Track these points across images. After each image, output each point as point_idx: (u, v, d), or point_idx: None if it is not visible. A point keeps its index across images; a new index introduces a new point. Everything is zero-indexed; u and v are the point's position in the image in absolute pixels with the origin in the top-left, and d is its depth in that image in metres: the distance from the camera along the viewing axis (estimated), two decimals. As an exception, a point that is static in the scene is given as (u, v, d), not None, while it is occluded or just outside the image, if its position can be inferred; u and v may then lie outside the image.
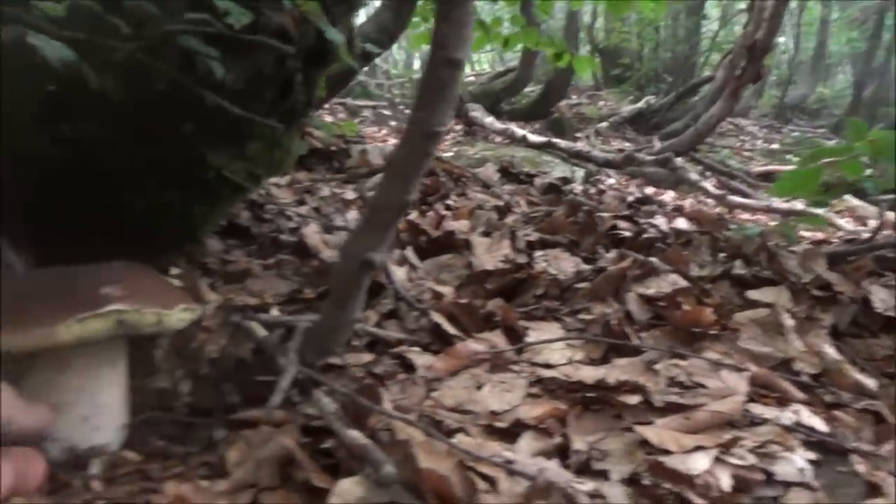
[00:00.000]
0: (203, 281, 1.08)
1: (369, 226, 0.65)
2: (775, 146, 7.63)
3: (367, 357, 0.94)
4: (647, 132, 6.87)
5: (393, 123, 5.43)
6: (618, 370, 0.98)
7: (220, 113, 1.05)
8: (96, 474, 0.68)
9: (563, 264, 1.44)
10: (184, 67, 0.99)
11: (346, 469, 0.66)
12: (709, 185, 4.38)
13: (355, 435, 0.64)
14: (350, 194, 1.96)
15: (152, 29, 0.97)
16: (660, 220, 1.73)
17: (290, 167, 1.24)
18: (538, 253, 1.48)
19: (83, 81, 1.03)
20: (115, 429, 0.73)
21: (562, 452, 0.76)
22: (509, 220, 1.72)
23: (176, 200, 1.15)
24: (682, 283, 1.28)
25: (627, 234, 1.59)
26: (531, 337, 1.10)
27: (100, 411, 0.71)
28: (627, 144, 6.21)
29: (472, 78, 7.52)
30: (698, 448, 0.77)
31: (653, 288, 1.26)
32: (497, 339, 1.09)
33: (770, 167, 5.84)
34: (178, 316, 0.71)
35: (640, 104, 7.14)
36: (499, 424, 0.78)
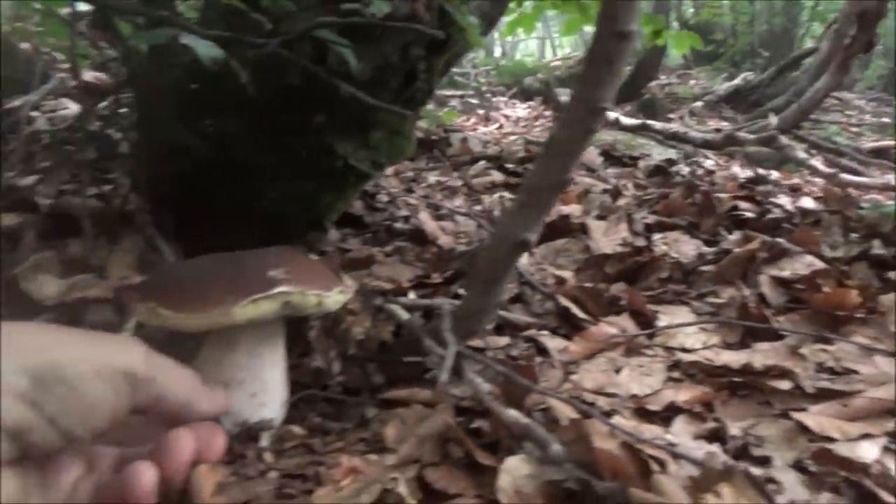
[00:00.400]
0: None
1: (524, 206, 0.65)
2: (886, 120, 7.10)
3: (503, 340, 0.95)
4: (745, 110, 6.53)
5: (480, 112, 5.40)
6: (760, 355, 0.94)
7: (347, 104, 1.08)
8: (267, 447, 0.72)
9: (683, 247, 1.40)
10: (315, 60, 1.02)
11: (505, 448, 0.66)
12: (817, 163, 4.13)
13: (514, 414, 0.65)
14: (455, 182, 1.98)
15: (289, 24, 1.01)
16: (783, 200, 1.64)
17: (409, 154, 1.26)
18: (656, 236, 1.45)
19: (222, 79, 1.09)
20: (279, 405, 0.77)
21: (715, 438, 0.74)
22: (621, 203, 1.68)
23: (306, 190, 1.19)
24: (819, 264, 1.22)
25: (750, 214, 1.53)
26: (662, 321, 1.08)
27: (265, 388, 0.75)
28: (724, 124, 5.94)
29: (557, 63, 7.39)
30: (865, 436, 0.73)
31: (787, 270, 1.21)
32: (625, 323, 1.08)
33: (883, 143, 5.43)
34: (335, 298, 0.74)
35: (737, 81, 6.79)
36: (651, 407, 0.77)
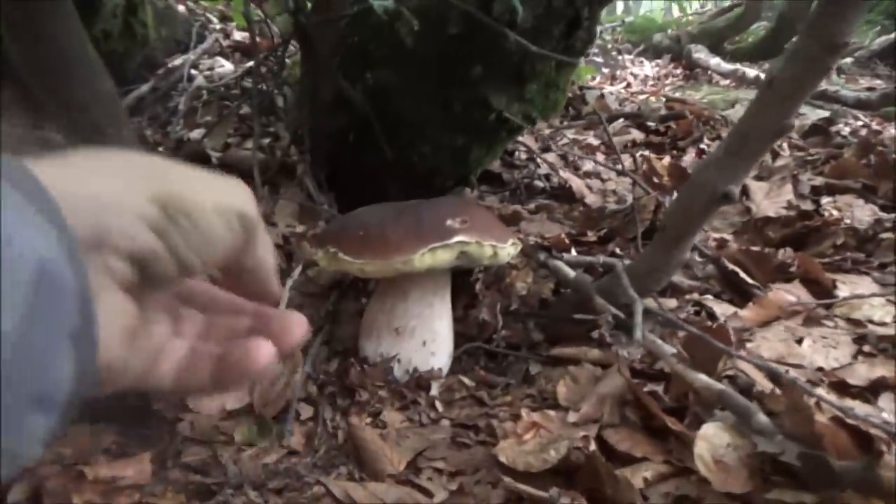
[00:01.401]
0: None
1: (730, 153, 0.60)
2: None
3: (671, 303, 0.91)
4: (903, 67, 5.86)
5: (606, 71, 5.19)
6: (967, 332, 0.84)
7: (506, 55, 1.05)
8: (437, 395, 0.72)
9: (857, 212, 1.27)
10: (480, 8, 0.99)
11: (692, 414, 0.63)
12: None
13: (705, 379, 0.61)
14: (593, 140, 1.91)
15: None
16: (978, 163, 1.45)
17: (561, 108, 1.21)
18: (825, 199, 1.32)
19: (381, 31, 1.09)
20: (447, 356, 0.77)
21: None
22: (780, 163, 1.55)
23: (457, 144, 1.18)
24: None
25: (936, 178, 1.36)
26: (842, 291, 0.99)
27: (435, 338, 0.75)
28: (878, 82, 5.38)
29: (690, 17, 6.94)
30: None
31: None
32: (798, 291, 1.00)
33: None
34: (509, 250, 0.73)
35: (894, 35, 6.11)
36: (852, 382, 0.70)
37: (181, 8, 2.21)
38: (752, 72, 4.48)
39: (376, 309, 0.76)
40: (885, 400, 0.68)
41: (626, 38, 6.28)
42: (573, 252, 0.94)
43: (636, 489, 0.52)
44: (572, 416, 0.63)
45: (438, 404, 0.71)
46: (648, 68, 5.42)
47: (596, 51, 5.81)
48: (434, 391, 0.73)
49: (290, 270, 0.89)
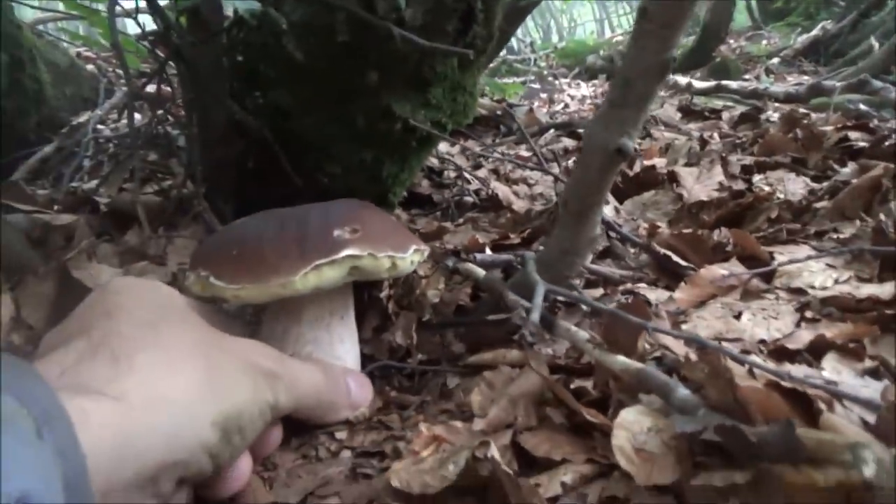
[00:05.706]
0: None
1: (615, 104, 0.54)
2: None
3: (597, 292, 0.83)
4: (826, 62, 6.09)
5: (543, 95, 5.25)
6: (911, 285, 0.79)
7: (401, 58, 0.99)
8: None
9: (790, 185, 1.24)
10: (364, 9, 0.94)
11: (616, 403, 0.55)
12: (921, 104, 3.74)
13: (624, 360, 0.53)
14: (525, 153, 1.87)
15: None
16: (902, 126, 1.44)
17: (473, 112, 1.15)
18: (757, 177, 1.29)
19: (268, 49, 1.02)
20: (349, 379, 0.68)
21: (877, 378, 0.60)
22: (709, 149, 1.52)
23: (366, 160, 1.11)
24: (964, 184, 1.03)
25: (863, 144, 1.34)
26: (781, 261, 0.93)
27: (337, 363, 0.67)
28: (805, 78, 5.55)
29: (619, 38, 7.13)
30: None
31: (925, 193, 1.03)
32: (736, 268, 0.94)
33: None
34: (411, 259, 0.65)
35: (815, 32, 6.34)
36: (792, 346, 0.64)
37: (89, 66, 2.13)
38: (683, 79, 4.55)
39: (266, 335, 0.67)
40: (829, 361, 0.61)
41: (560, 62, 6.40)
42: (488, 252, 0.86)
43: (542, 497, 0.43)
44: (479, 424, 0.55)
45: (338, 434, 0.62)
46: (585, 89, 5.50)
47: (532, 77, 5.90)
48: (335, 420, 0.64)
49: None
